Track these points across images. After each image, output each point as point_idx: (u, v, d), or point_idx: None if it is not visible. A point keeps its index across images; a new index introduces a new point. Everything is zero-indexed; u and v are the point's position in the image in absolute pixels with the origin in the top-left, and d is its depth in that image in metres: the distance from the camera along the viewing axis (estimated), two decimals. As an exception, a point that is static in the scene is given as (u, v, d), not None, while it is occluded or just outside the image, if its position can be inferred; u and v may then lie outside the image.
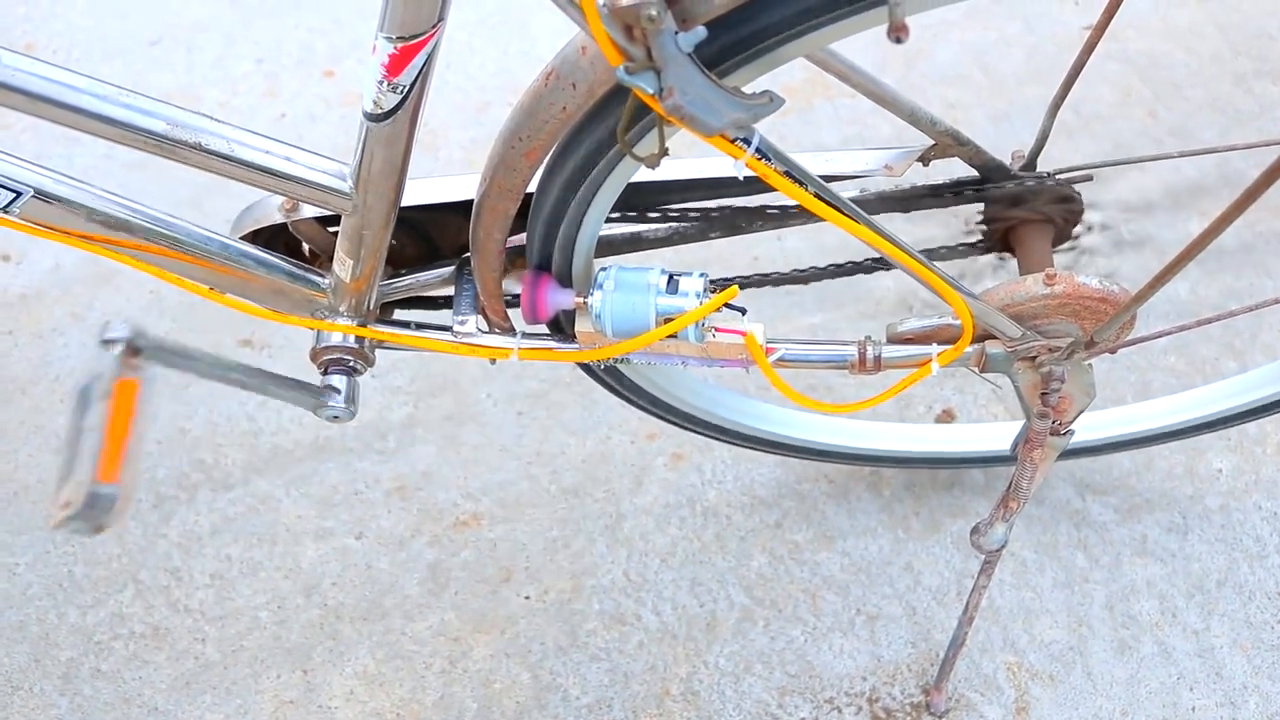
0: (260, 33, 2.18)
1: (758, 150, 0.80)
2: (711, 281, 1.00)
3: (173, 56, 2.15)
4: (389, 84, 0.81)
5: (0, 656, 1.45)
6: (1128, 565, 1.48)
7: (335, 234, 1.02)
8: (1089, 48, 1.03)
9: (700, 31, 0.71)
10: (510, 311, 1.09)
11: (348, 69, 2.11)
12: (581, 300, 1.00)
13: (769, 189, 0.84)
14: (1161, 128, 1.91)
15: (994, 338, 1.06)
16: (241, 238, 1.06)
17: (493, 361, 1.11)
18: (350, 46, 2.15)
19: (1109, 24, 1.00)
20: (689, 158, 1.07)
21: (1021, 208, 1.14)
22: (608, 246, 1.16)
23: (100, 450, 0.92)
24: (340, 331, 1.09)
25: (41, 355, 1.74)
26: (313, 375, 1.12)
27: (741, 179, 0.83)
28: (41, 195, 0.92)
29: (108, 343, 0.95)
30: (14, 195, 0.91)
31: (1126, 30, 2.05)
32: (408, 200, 1.00)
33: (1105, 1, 1.00)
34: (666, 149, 0.82)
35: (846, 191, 1.11)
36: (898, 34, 0.62)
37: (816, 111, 1.98)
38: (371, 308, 1.09)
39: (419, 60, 0.80)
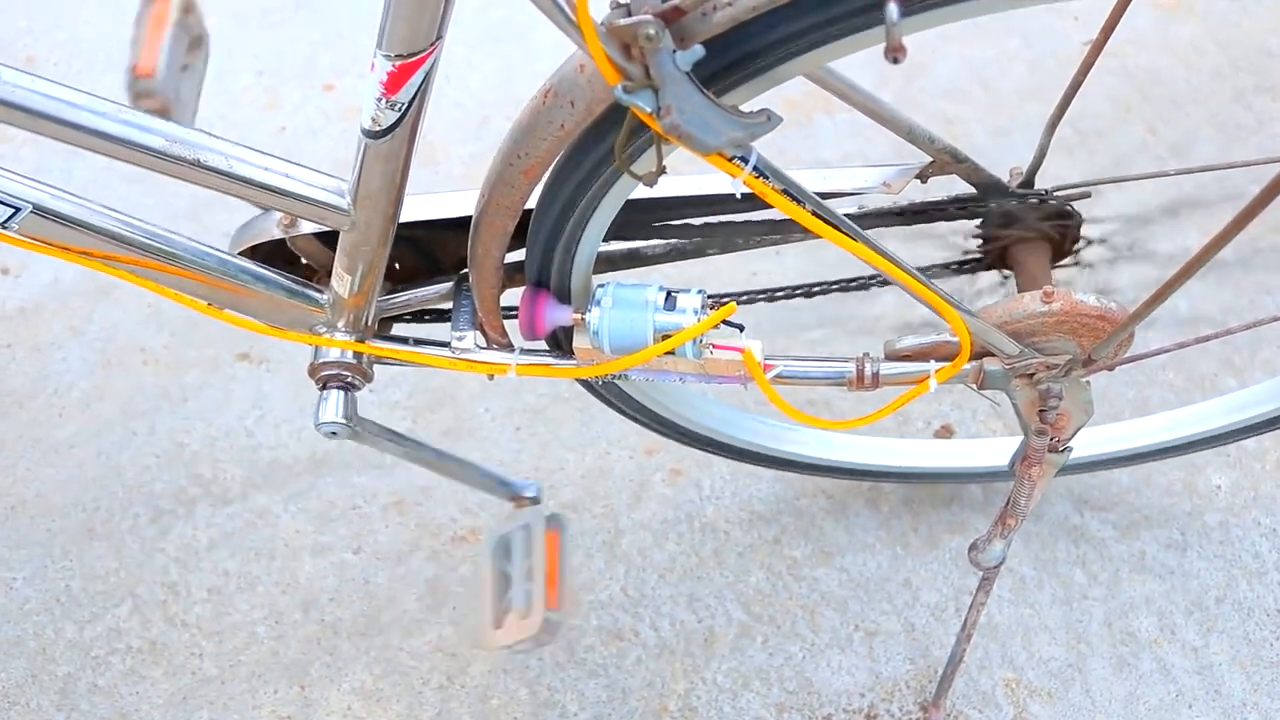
0: (261, 46, 2.19)
1: (755, 168, 0.79)
2: (710, 297, 1.00)
3: (173, 70, 2.15)
4: (387, 101, 0.82)
5: (-3, 671, 1.45)
6: (1126, 582, 1.48)
7: (333, 249, 1.02)
8: (1086, 66, 1.04)
9: (698, 50, 0.71)
10: (508, 326, 1.09)
11: (348, 83, 2.11)
12: (579, 317, 1.00)
13: (767, 206, 0.84)
14: (1161, 144, 1.92)
15: (992, 355, 1.06)
16: (240, 253, 1.06)
17: (491, 377, 1.11)
18: (351, 60, 2.15)
19: (1107, 41, 1.01)
20: (687, 174, 1.07)
21: (1019, 225, 1.14)
22: (606, 262, 1.16)
23: (544, 587, 1.22)
24: (338, 347, 1.09)
25: (40, 369, 1.73)
26: (313, 392, 1.12)
27: (739, 196, 0.83)
28: (40, 211, 0.92)
29: (519, 499, 1.36)
30: (12, 211, 0.91)
31: (1126, 46, 2.05)
32: (406, 216, 1.00)
33: (1105, 17, 1.00)
34: (664, 167, 0.82)
35: (844, 208, 1.11)
36: (895, 54, 0.62)
37: (815, 125, 1.98)
38: (370, 323, 1.09)
39: (417, 78, 0.80)
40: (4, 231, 0.93)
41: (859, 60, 0.77)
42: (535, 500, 1.36)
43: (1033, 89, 2.01)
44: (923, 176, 1.08)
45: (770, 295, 1.21)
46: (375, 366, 1.13)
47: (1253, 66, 2.03)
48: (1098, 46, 1.01)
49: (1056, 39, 2.08)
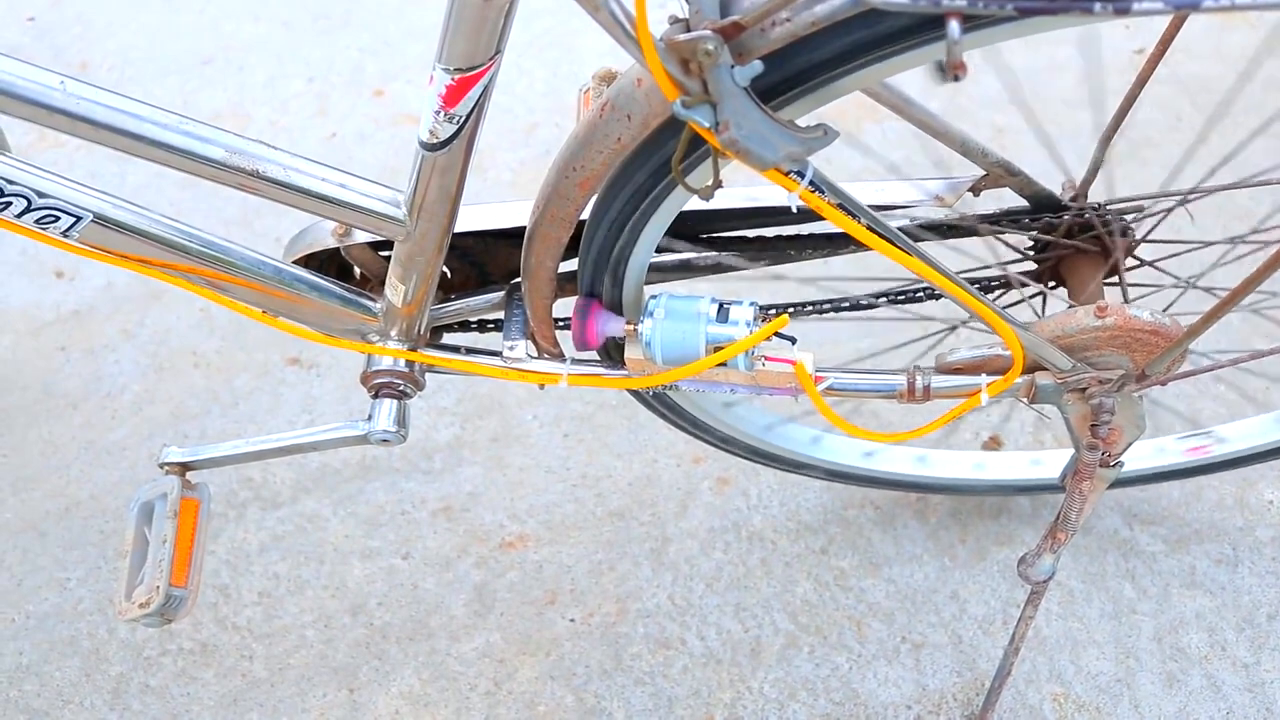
0: (311, 53, 2.20)
1: (811, 183, 0.80)
2: (762, 308, 1.00)
3: (225, 76, 2.18)
4: (446, 114, 0.82)
5: (51, 670, 1.47)
6: (1176, 597, 1.46)
7: (387, 258, 1.03)
8: (1142, 80, 1.03)
9: (756, 66, 0.71)
10: (560, 336, 1.09)
11: (397, 89, 2.13)
12: (632, 328, 1.00)
13: (821, 218, 0.84)
14: (1213, 154, 1.90)
15: (1044, 369, 1.06)
16: (294, 261, 1.07)
17: (541, 386, 1.12)
18: (400, 67, 2.17)
19: (1164, 54, 1.00)
20: (741, 185, 1.07)
21: (1072, 239, 1.13)
22: (657, 273, 1.16)
23: (172, 559, 1.15)
24: (391, 356, 1.09)
25: (93, 371, 1.76)
26: (362, 396, 1.13)
27: (795, 210, 0.83)
28: (101, 220, 0.93)
29: (165, 465, 1.22)
30: (74, 220, 0.92)
31: (1177, 54, 2.03)
32: (460, 226, 1.01)
33: (1156, 25, 0.99)
34: (720, 181, 0.82)
35: (896, 220, 1.11)
36: (955, 72, 0.62)
37: (865, 135, 1.98)
38: (422, 332, 1.10)
39: (475, 91, 0.81)
40: (65, 240, 0.94)
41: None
42: (172, 466, 1.22)
43: (1083, 98, 1.99)
44: (975, 190, 1.08)
45: (820, 307, 1.21)
46: (425, 374, 1.14)
47: (1307, 76, 2.01)
48: (1152, 62, 1.01)
49: (1107, 48, 2.07)
